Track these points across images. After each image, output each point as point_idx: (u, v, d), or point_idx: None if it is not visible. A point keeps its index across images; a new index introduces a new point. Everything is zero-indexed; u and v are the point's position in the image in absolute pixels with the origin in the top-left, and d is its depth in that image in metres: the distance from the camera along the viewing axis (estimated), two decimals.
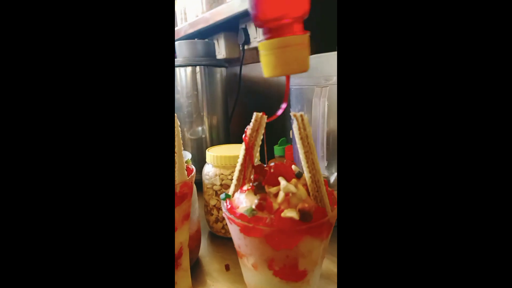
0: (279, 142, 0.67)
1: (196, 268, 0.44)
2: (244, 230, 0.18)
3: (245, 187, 0.20)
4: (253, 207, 0.18)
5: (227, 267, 0.43)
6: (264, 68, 0.21)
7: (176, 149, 0.26)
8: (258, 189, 0.19)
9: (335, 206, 0.19)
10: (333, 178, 0.52)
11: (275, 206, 0.18)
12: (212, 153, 0.48)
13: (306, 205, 0.17)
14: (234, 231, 0.19)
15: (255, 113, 0.20)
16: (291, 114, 0.19)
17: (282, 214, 0.17)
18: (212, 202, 0.49)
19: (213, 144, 0.75)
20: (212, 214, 0.50)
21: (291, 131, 0.63)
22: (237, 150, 0.49)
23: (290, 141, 0.67)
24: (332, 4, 0.63)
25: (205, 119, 0.71)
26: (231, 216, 0.18)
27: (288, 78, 0.21)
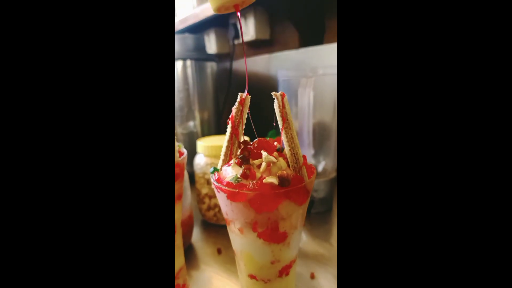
0: (269, 134, 0.70)
1: (190, 253, 0.46)
2: (231, 196, 0.20)
3: (231, 161, 0.22)
4: (238, 175, 0.20)
5: (219, 251, 0.45)
6: (211, 2, 0.21)
7: None
8: (243, 161, 0.21)
9: (312, 176, 0.22)
10: (321, 166, 0.55)
11: (258, 175, 0.20)
12: (204, 143, 0.50)
13: (285, 172, 0.20)
14: (221, 198, 0.21)
15: (239, 94, 0.22)
16: (272, 94, 0.21)
17: (264, 180, 0.19)
18: (204, 190, 0.51)
19: (204, 136, 0.76)
20: (204, 203, 0.52)
21: None
22: None
23: (279, 133, 0.70)
24: (319, 0, 0.65)
25: (196, 113, 0.73)
26: (219, 185, 0.20)
27: (237, 10, 0.22)
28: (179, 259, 0.33)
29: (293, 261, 0.23)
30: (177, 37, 0.72)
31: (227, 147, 0.23)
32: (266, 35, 0.76)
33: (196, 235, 0.51)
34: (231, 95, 0.85)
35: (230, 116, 0.23)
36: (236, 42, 0.80)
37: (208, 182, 0.50)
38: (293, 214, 0.21)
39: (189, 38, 0.72)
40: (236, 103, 0.22)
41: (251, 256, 0.22)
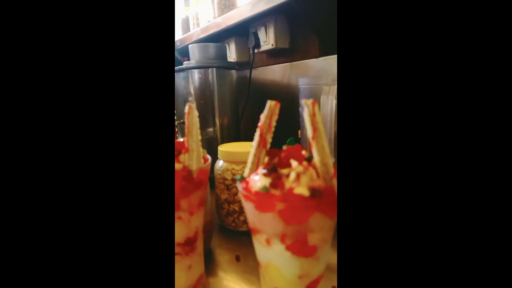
0: (287, 142, 0.69)
1: (208, 259, 0.45)
2: (259, 206, 0.19)
3: (259, 170, 0.22)
4: (267, 185, 0.20)
5: (237, 258, 0.44)
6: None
7: (194, 138, 0.28)
8: (271, 170, 0.20)
9: None
10: None
11: (287, 185, 0.20)
12: (224, 149, 0.51)
13: (316, 183, 0.19)
14: (249, 208, 0.21)
15: (269, 101, 0.22)
16: (302, 101, 0.21)
17: (294, 191, 0.19)
18: (223, 196, 0.51)
19: (223, 142, 0.77)
20: (223, 208, 0.52)
21: (299, 131, 0.64)
22: (247, 147, 0.51)
23: (298, 140, 0.69)
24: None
25: (217, 119, 0.74)
26: (247, 194, 0.20)
27: None
28: (199, 266, 0.33)
29: (321, 276, 0.22)
30: (199, 46, 0.74)
31: (255, 155, 0.23)
32: (286, 44, 0.76)
33: (215, 241, 0.50)
34: (250, 102, 0.85)
35: (258, 124, 0.22)
36: (256, 51, 0.81)
37: (228, 188, 0.50)
38: (324, 227, 0.20)
39: (211, 46, 0.73)
40: (265, 110, 0.22)
41: (277, 269, 0.21)
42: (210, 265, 0.44)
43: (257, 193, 0.20)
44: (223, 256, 0.46)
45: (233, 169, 0.50)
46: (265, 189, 0.19)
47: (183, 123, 0.78)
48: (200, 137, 0.28)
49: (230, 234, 0.52)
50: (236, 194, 0.50)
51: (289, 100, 0.78)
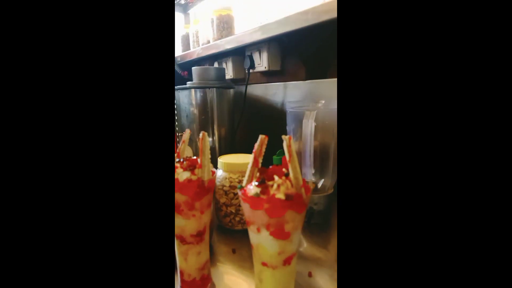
0: (277, 153, 0.80)
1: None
2: (253, 206, 0.30)
3: (253, 182, 0.32)
4: (258, 192, 0.30)
5: (233, 251, 0.55)
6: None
7: (206, 157, 0.38)
8: (261, 182, 0.31)
9: (308, 194, 0.31)
10: (320, 183, 0.65)
11: (271, 192, 0.30)
12: (223, 160, 0.61)
13: (290, 191, 0.30)
14: (246, 207, 0.31)
15: (260, 136, 0.33)
16: (282, 137, 0.32)
17: (276, 196, 0.29)
18: (222, 200, 0.61)
19: (221, 152, 0.87)
20: (221, 210, 0.62)
21: None
22: (243, 159, 0.62)
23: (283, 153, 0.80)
24: (326, 37, 0.77)
25: (215, 131, 0.84)
26: (245, 198, 0.31)
27: None
28: (206, 253, 0.43)
29: (294, 254, 0.33)
30: (201, 69, 0.84)
31: (250, 171, 0.33)
32: (277, 67, 0.87)
33: (214, 237, 0.60)
34: (245, 115, 0.96)
35: (253, 150, 0.33)
36: (251, 71, 0.92)
37: (226, 193, 0.61)
38: (295, 219, 0.31)
39: (212, 70, 0.84)
40: (258, 141, 0.33)
41: (264, 248, 0.32)
42: (210, 257, 0.54)
43: (251, 197, 0.30)
44: (221, 249, 0.56)
45: (231, 177, 0.60)
46: (257, 195, 0.30)
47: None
48: (210, 156, 0.39)
49: (227, 232, 0.62)
50: (232, 198, 0.60)
51: (279, 114, 0.89)
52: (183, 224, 0.39)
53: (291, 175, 0.32)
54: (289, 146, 0.31)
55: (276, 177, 0.31)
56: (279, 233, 0.31)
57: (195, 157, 0.40)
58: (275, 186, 0.31)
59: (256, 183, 0.31)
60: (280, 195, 0.30)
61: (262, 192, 0.30)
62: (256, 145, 0.33)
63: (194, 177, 0.38)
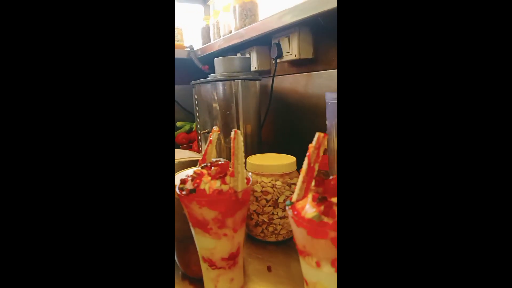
0: None
1: None
2: (312, 233, 0.21)
3: (308, 198, 0.24)
4: (320, 214, 0.21)
5: (269, 269, 0.46)
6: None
7: (239, 161, 0.30)
8: (322, 199, 0.22)
9: None
10: None
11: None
12: (253, 162, 0.53)
13: None
14: (300, 233, 0.22)
15: (317, 133, 0.24)
16: (317, 133, 0.23)
17: None
18: (253, 207, 0.53)
19: (247, 150, 0.79)
20: (252, 219, 0.54)
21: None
22: (275, 160, 0.53)
23: (325, 151, 0.70)
24: None
25: (241, 128, 0.76)
26: (300, 221, 0.22)
27: None
28: (240, 279, 0.35)
29: None
30: (224, 59, 0.76)
31: (303, 182, 0.24)
32: (309, 54, 0.77)
33: (244, 251, 0.53)
34: (271, 110, 0.87)
35: (307, 154, 0.24)
36: (278, 60, 0.83)
37: (257, 199, 0.52)
38: None
39: (237, 59, 0.76)
40: (314, 142, 0.24)
41: None
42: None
43: (310, 220, 0.21)
44: (253, 266, 0.48)
45: (263, 181, 0.52)
46: (318, 218, 0.21)
47: (208, 132, 0.81)
48: (244, 160, 0.30)
49: (258, 244, 0.54)
50: (264, 206, 0.52)
51: (311, 109, 0.79)
52: (213, 245, 0.31)
53: None
54: (317, 147, 0.22)
55: None
56: None
57: (222, 160, 0.32)
58: None
59: (311, 197, 0.23)
60: None
61: (325, 213, 0.21)
62: (311, 146, 0.24)
63: (225, 187, 0.30)
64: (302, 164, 0.24)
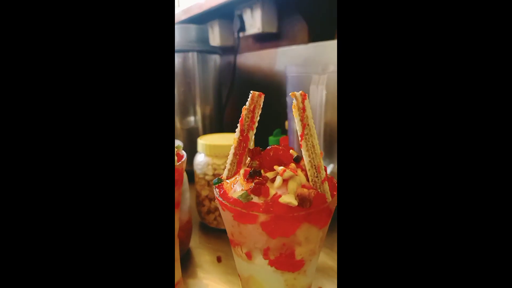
0: (274, 133, 0.66)
1: (187, 260, 0.42)
2: (238, 217, 0.16)
3: (240, 173, 0.19)
4: (248, 192, 0.16)
5: (219, 259, 0.42)
6: None
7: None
8: (254, 174, 0.17)
9: (335, 193, 0.18)
10: (329, 169, 0.52)
11: (272, 191, 0.17)
12: (204, 142, 0.47)
13: (305, 190, 0.16)
14: (227, 218, 0.18)
15: (251, 92, 0.19)
16: (291, 93, 0.18)
17: (280, 200, 0.16)
18: (204, 192, 0.48)
19: (206, 132, 0.73)
20: (204, 205, 0.49)
21: (286, 122, 0.61)
22: (231, 139, 0.48)
23: (285, 132, 0.66)
24: None
25: (198, 108, 0.69)
26: (224, 202, 0.17)
27: None
28: (176, 273, 0.30)
29: None
30: (179, 27, 0.68)
31: (234, 154, 0.19)
32: (273, 28, 0.71)
33: (195, 240, 0.47)
34: (234, 90, 0.81)
35: (240, 119, 0.19)
36: (241, 35, 0.76)
37: (209, 183, 0.47)
38: (312, 238, 0.17)
39: (192, 28, 0.68)
40: (247, 103, 0.19)
41: (259, 284, 0.19)
42: (189, 266, 0.41)
43: (236, 201, 0.17)
44: (203, 257, 0.43)
45: (215, 163, 0.46)
46: (246, 198, 0.16)
47: None
48: (175, 126, 0.25)
49: (211, 232, 0.49)
50: None
51: (276, 88, 0.74)
52: None
53: (305, 160, 0.18)
54: (302, 109, 0.17)
55: (279, 168, 0.17)
56: (286, 263, 0.17)
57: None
58: (278, 180, 0.17)
59: (243, 172, 0.18)
60: (289, 199, 0.16)
61: (255, 192, 0.16)
62: (245, 109, 0.19)
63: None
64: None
